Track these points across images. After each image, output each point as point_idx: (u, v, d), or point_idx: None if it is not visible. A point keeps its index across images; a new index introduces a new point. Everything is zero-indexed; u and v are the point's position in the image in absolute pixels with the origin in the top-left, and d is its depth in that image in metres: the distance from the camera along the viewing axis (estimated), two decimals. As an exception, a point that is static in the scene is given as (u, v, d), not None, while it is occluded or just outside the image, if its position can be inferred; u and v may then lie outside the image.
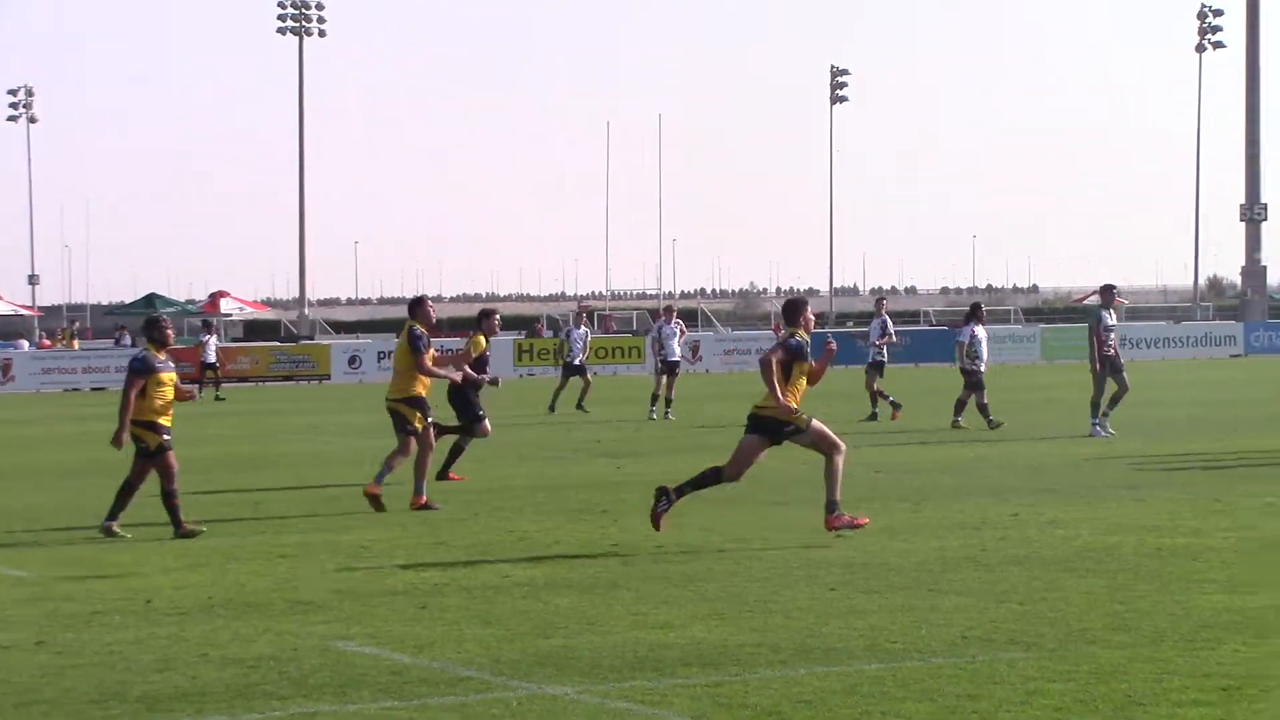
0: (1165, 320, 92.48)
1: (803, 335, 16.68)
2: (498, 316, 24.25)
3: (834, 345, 17.35)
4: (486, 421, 23.14)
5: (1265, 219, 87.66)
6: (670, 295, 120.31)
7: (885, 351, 35.71)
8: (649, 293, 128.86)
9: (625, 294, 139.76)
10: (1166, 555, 15.15)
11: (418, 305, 20.48)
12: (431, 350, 20.25)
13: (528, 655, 11.38)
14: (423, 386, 20.11)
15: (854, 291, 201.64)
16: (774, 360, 16.35)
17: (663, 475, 23.39)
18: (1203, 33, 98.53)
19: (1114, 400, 28.87)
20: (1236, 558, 14.94)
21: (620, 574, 14.77)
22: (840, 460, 16.56)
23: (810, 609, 12.86)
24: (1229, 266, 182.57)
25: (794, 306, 17.06)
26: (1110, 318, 29.62)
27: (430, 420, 20.21)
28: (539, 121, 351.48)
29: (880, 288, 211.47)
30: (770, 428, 16.53)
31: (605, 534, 17.45)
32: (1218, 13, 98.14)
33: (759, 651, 11.33)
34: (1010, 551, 15.57)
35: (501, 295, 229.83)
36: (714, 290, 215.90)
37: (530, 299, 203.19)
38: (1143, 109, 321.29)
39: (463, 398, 22.83)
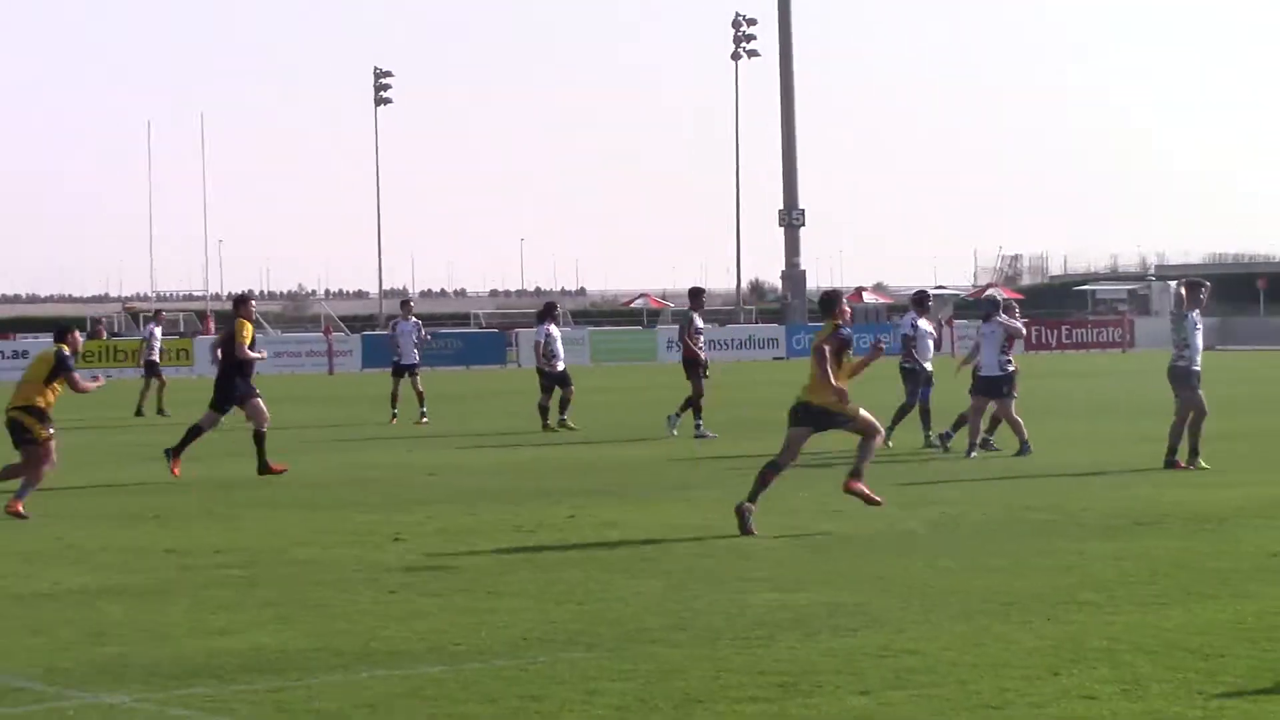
0: (711, 324, 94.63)
1: (846, 326, 17.43)
2: (254, 302, 25.09)
3: (883, 345, 18.47)
4: (259, 400, 23.69)
5: (803, 224, 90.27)
6: (218, 296, 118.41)
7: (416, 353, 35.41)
8: (195, 294, 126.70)
9: (172, 295, 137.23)
10: (720, 554, 15.51)
11: (67, 332, 19.77)
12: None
13: (82, 664, 11.07)
14: (45, 400, 19.36)
15: (404, 293, 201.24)
16: (827, 350, 17.00)
17: (220, 480, 23.00)
18: (738, 41, 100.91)
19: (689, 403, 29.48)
20: (786, 556, 15.38)
21: (177, 580, 14.49)
22: (878, 441, 17.62)
23: (372, 612, 12.80)
24: (770, 271, 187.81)
25: (832, 299, 17.72)
26: (699, 320, 30.18)
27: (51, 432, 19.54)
28: (80, 121, 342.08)
29: (430, 290, 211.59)
30: (819, 418, 17.24)
31: (158, 540, 17.08)
32: (751, 21, 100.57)
33: (320, 655, 11.22)
34: (567, 553, 15.75)
35: (43, 296, 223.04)
36: (263, 292, 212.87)
37: (73, 300, 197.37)
38: (684, 116, 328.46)
39: (231, 384, 23.54)
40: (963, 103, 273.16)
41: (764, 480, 17.28)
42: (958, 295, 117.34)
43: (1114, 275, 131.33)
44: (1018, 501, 19.21)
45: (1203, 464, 22.09)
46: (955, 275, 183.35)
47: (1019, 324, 26.31)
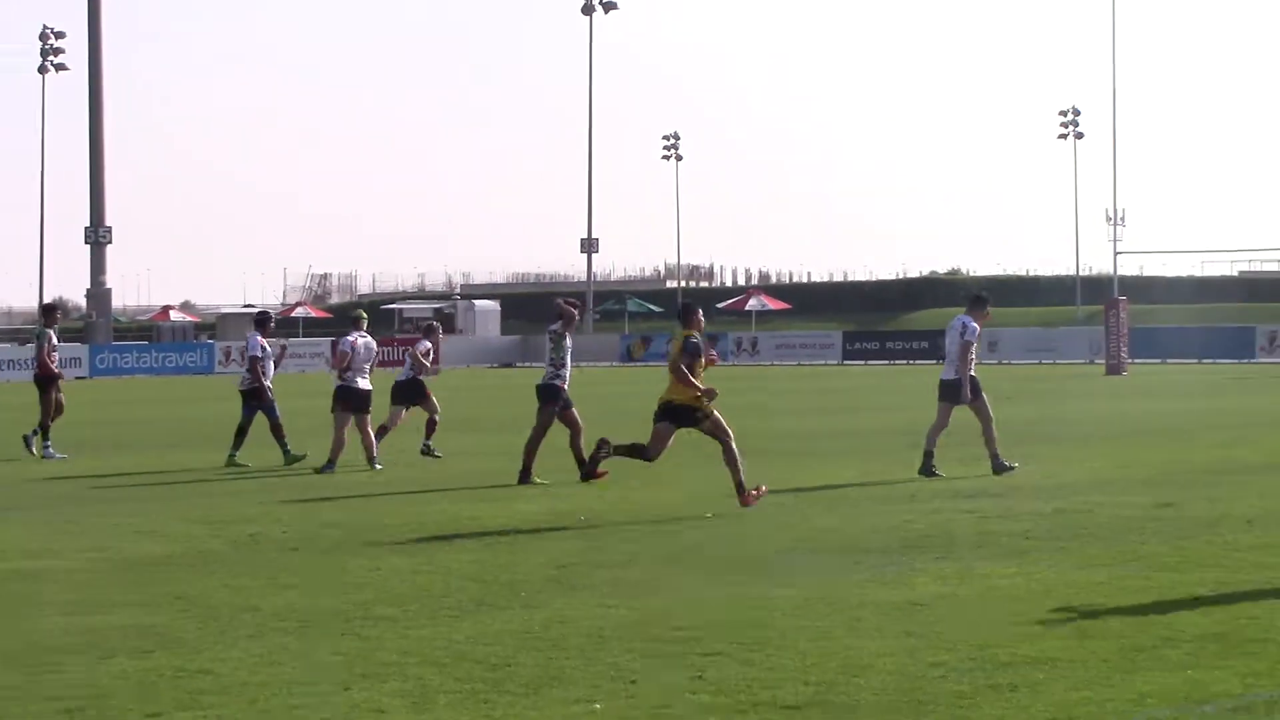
0: (11, 343, 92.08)
1: (697, 335, 19.59)
2: None
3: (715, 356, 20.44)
4: None
5: (110, 242, 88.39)
6: None
7: None
8: None
9: None
10: (16, 578, 15.07)
11: None
12: None
13: None
14: None
15: None
16: (682, 364, 19.23)
17: None
18: (45, 54, 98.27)
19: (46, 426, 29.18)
20: (86, 579, 15.04)
21: None
22: (733, 444, 19.33)
23: None
24: (75, 289, 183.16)
25: (689, 310, 19.96)
26: (55, 336, 29.63)
27: None
28: None
29: None
30: (680, 414, 19.44)
31: None
32: (60, 34, 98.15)
33: None
34: None
35: None
36: None
37: None
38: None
39: None
40: (261, 116, 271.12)
41: (631, 450, 19.82)
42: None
43: (421, 294, 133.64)
44: (319, 519, 19.32)
45: (538, 480, 22.64)
46: (265, 293, 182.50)
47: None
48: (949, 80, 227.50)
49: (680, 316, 20.09)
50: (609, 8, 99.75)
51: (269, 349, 27.41)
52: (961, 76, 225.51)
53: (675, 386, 19.49)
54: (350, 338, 26.20)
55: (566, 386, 23.16)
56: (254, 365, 27.17)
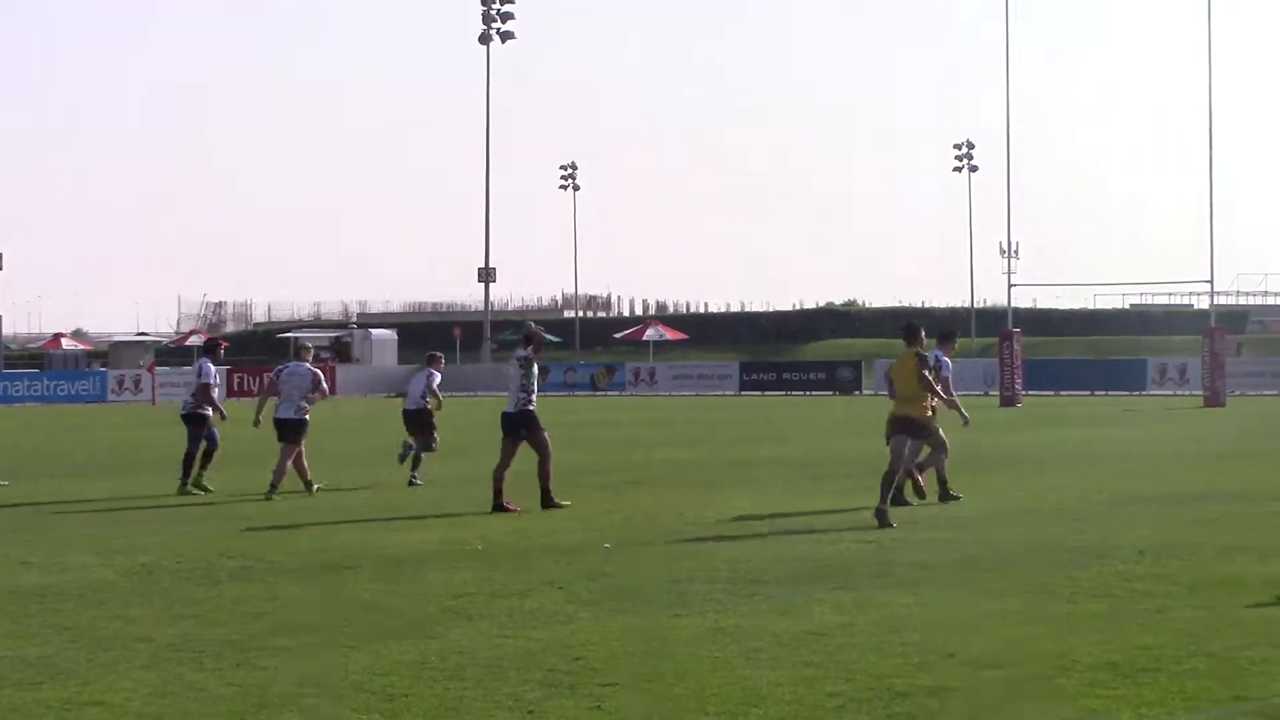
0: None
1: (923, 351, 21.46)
2: None
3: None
4: None
5: (0, 269, 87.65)
6: None
7: None
8: None
9: None
10: (-102, 610, 14.85)
11: None
12: None
13: None
14: None
15: None
16: (924, 376, 20.86)
17: None
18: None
19: None
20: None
21: None
22: (945, 458, 22.74)
23: None
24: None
25: (914, 330, 21.55)
26: None
27: None
28: None
29: None
30: (914, 428, 21.02)
31: None
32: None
33: None
34: None
35: None
36: None
37: None
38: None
39: None
40: (153, 141, 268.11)
41: (889, 484, 20.64)
42: (160, 343, 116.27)
43: (317, 323, 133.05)
44: (215, 548, 19.16)
45: (561, 501, 22.81)
46: (159, 322, 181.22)
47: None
48: (845, 112, 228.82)
49: (905, 336, 21.46)
50: (506, 37, 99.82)
51: (217, 378, 27.47)
52: (857, 109, 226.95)
53: (907, 402, 21.02)
54: (277, 368, 26.68)
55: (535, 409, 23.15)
56: (205, 391, 27.05)
